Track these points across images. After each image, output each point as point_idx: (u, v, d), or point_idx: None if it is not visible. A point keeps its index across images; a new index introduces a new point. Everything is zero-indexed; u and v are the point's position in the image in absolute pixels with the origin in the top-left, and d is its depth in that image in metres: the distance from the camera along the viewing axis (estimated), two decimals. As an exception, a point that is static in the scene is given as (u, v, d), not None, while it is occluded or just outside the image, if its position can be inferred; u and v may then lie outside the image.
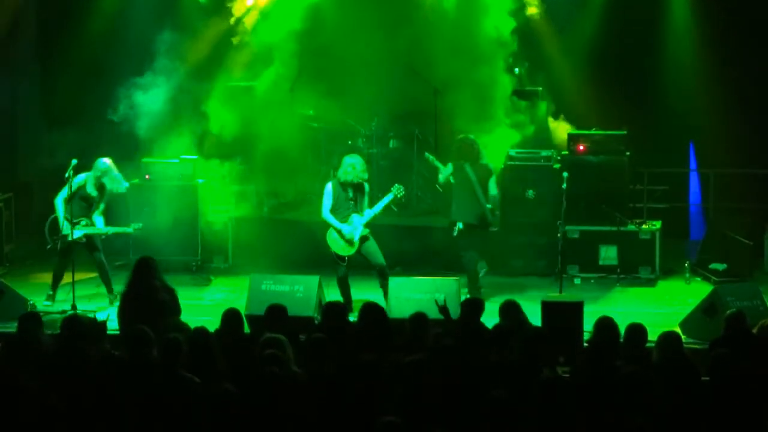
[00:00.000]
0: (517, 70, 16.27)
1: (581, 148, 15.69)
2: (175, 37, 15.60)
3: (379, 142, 16.80)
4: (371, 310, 10.61)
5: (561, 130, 16.17)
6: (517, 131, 15.79)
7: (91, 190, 13.81)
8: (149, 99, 15.31)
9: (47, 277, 14.19)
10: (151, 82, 15.32)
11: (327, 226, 13.58)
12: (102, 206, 13.90)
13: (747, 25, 16.47)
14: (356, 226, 13.48)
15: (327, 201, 13.61)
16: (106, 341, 10.14)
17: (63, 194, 13.68)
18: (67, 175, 13.57)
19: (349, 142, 16.84)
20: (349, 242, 13.47)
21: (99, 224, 13.87)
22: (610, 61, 16.86)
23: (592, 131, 15.82)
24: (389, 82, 16.14)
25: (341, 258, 13.56)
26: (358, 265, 13.84)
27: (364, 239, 13.53)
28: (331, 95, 16.58)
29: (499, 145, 15.54)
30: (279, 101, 16.21)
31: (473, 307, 10.79)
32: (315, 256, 14.79)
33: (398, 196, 13.71)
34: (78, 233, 13.61)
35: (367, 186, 13.70)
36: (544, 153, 15.80)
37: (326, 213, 13.60)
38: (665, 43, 16.88)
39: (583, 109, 16.31)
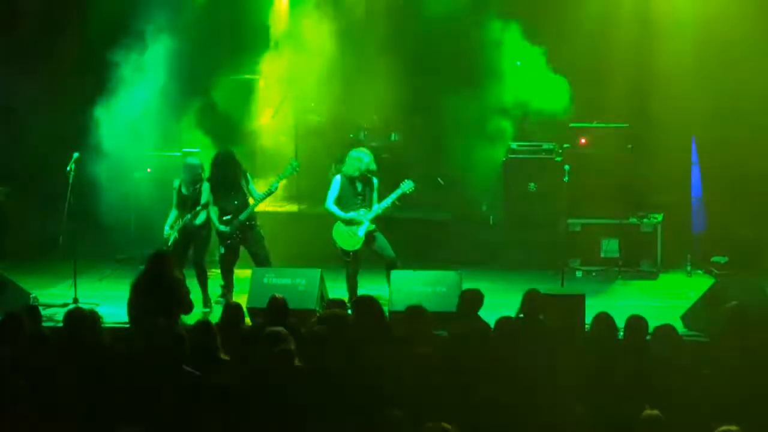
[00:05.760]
0: (518, 63, 16.22)
1: (583, 141, 15.70)
2: (175, 29, 15.59)
3: (381, 135, 16.80)
4: (365, 303, 10.64)
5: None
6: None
7: (186, 190, 13.73)
8: (150, 91, 15.32)
9: (49, 271, 14.18)
10: (151, 74, 15.33)
11: (333, 221, 13.48)
12: (204, 200, 13.61)
13: (748, 16, 16.41)
14: (362, 221, 13.45)
15: (332, 192, 13.51)
16: (107, 334, 10.16)
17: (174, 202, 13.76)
18: (68, 168, 13.60)
19: (351, 135, 16.85)
20: (353, 235, 13.41)
21: (200, 218, 13.68)
22: (611, 53, 16.81)
23: (594, 124, 15.82)
24: (391, 75, 16.14)
25: (346, 253, 13.48)
26: (365, 259, 13.70)
27: (370, 234, 13.45)
28: (332, 88, 16.60)
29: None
30: (280, 94, 16.22)
31: (472, 300, 10.79)
32: (317, 249, 14.81)
33: (407, 192, 13.43)
34: (173, 236, 13.64)
35: (376, 180, 13.56)
36: (545, 146, 15.81)
37: (329, 203, 13.50)
38: (666, 35, 16.82)
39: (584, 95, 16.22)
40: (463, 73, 15.98)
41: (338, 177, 13.61)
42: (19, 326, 9.59)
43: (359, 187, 13.48)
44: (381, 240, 13.50)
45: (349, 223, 13.42)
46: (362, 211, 13.43)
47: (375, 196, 13.50)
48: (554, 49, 16.01)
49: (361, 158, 13.47)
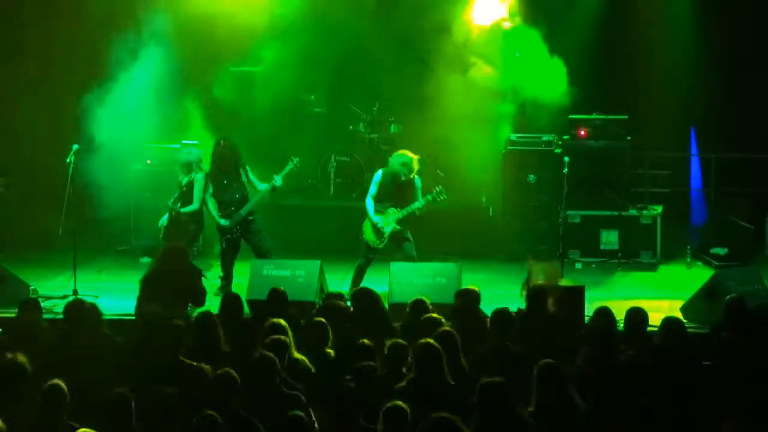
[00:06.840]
0: (518, 54, 16.20)
1: (582, 132, 15.70)
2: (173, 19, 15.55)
3: (380, 126, 16.79)
4: (363, 295, 10.67)
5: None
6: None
7: (182, 180, 13.74)
8: (148, 83, 15.29)
9: (50, 263, 14.16)
10: (149, 66, 15.30)
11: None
12: (197, 193, 13.62)
13: (748, 7, 16.43)
14: (389, 222, 13.36)
15: (372, 188, 13.46)
16: (106, 326, 10.17)
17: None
18: (68, 160, 13.58)
19: (351, 127, 16.84)
20: (380, 235, 13.32)
21: (190, 207, 13.68)
22: (611, 45, 16.81)
23: (594, 116, 15.81)
24: (390, 66, 16.12)
25: (369, 248, 13.40)
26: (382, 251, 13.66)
27: (395, 235, 13.35)
28: (332, 79, 16.57)
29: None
30: (280, 86, 16.18)
31: (470, 299, 10.77)
32: (316, 241, 14.80)
33: (438, 199, 13.34)
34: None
35: (419, 180, 13.44)
36: (545, 137, 15.81)
37: (368, 199, 13.45)
38: (666, 27, 16.83)
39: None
40: (460, 62, 15.96)
41: (380, 172, 13.52)
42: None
43: (397, 188, 13.38)
44: (407, 241, 13.39)
45: (375, 226, 13.36)
46: (391, 210, 13.35)
47: (419, 193, 13.38)
48: (552, 34, 16.04)
49: (407, 163, 13.31)
